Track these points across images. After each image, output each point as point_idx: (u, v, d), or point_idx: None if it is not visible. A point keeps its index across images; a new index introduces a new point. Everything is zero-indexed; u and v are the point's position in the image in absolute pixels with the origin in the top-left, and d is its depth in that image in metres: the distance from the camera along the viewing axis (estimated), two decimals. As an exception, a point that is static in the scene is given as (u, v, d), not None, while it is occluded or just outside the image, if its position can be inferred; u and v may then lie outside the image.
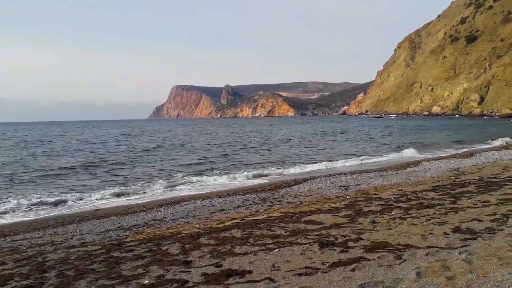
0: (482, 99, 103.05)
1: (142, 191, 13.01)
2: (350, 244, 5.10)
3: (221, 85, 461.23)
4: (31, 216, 10.09)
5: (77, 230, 8.05)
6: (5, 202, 11.46)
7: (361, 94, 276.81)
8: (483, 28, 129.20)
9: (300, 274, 4.14)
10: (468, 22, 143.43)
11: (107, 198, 12.07)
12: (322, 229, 6.05)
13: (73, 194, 12.50)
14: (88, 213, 10.09)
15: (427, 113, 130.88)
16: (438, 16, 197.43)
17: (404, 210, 7.01)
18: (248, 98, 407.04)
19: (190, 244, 5.77)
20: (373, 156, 21.76)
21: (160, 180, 14.85)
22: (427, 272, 3.77)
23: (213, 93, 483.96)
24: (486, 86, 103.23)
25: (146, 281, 4.29)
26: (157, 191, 13.18)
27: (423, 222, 6.01)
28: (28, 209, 10.81)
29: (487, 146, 24.51)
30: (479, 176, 11.05)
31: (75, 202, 11.54)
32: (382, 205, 7.76)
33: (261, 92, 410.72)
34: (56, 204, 11.25)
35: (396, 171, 14.60)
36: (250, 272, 4.33)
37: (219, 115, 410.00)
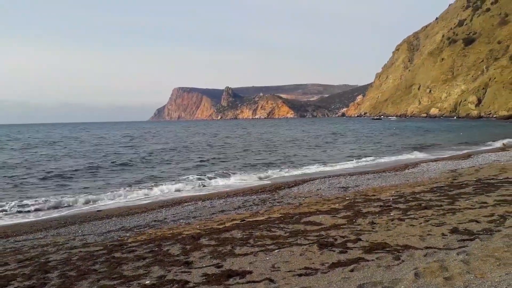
0: (479, 101, 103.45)
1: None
2: (349, 245, 5.12)
3: (222, 87, 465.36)
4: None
5: (79, 231, 8.08)
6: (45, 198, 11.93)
7: (360, 96, 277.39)
8: (480, 31, 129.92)
9: (300, 275, 4.16)
10: (466, 24, 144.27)
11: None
12: (322, 230, 6.08)
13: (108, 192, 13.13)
14: (90, 214, 10.12)
15: (425, 115, 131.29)
16: (436, 18, 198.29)
17: (402, 211, 7.04)
18: (248, 100, 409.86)
19: (191, 245, 5.80)
20: (384, 156, 22.10)
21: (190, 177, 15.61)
22: (425, 273, 3.78)
23: (213, 95, 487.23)
24: (483, 88, 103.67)
25: (147, 282, 4.31)
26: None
27: (421, 223, 6.04)
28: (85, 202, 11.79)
29: (489, 148, 24.67)
30: (476, 177, 11.09)
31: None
32: (380, 206, 7.79)
33: (261, 94, 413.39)
34: (112, 198, 12.41)
35: (395, 172, 14.67)
36: (250, 272, 4.35)
37: (219, 117, 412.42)
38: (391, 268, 4.12)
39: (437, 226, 5.78)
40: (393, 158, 21.41)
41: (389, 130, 56.05)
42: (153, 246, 5.93)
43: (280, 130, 69.78)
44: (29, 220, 9.90)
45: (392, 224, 6.16)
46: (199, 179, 15.43)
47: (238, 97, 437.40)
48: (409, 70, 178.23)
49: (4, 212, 10.55)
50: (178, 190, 13.60)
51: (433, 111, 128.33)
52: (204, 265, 4.74)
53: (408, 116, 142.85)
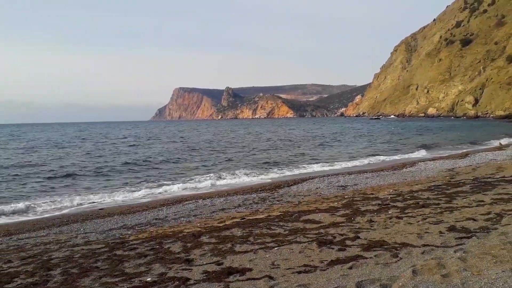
0: (476, 101, 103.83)
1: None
2: (348, 242, 5.15)
3: (222, 87, 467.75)
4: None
5: (81, 229, 8.12)
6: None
7: (359, 96, 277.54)
8: (477, 32, 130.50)
9: (299, 272, 4.18)
10: (463, 25, 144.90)
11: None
12: (321, 228, 6.12)
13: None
14: (92, 212, 10.16)
15: (423, 114, 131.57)
16: (434, 20, 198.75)
17: (400, 210, 7.09)
18: (248, 100, 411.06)
19: (191, 242, 5.83)
20: (396, 155, 22.40)
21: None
22: (423, 270, 3.79)
23: (214, 95, 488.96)
24: (480, 88, 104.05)
25: (148, 279, 4.34)
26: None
27: (419, 221, 6.08)
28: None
29: (489, 147, 24.84)
30: (473, 176, 11.17)
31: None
32: (379, 204, 7.84)
33: (261, 94, 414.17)
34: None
35: (393, 171, 14.76)
36: (250, 270, 4.37)
37: (220, 117, 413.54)
38: (389, 265, 4.13)
39: (434, 224, 5.82)
40: (406, 156, 21.77)
41: (393, 129, 56.14)
42: (154, 244, 5.95)
43: (293, 129, 69.51)
44: (31, 218, 9.93)
45: (390, 222, 6.20)
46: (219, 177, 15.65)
47: (238, 97, 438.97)
48: (407, 71, 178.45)
49: (12, 210, 10.63)
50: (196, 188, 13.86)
51: (431, 111, 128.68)
52: (204, 263, 4.76)
53: (406, 116, 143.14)
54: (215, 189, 13.35)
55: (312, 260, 4.55)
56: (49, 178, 16.67)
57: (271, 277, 4.09)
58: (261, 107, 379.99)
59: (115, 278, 4.46)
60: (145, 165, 21.07)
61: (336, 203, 8.56)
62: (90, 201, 11.82)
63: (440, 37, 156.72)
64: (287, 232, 6.07)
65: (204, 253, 5.18)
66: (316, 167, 18.12)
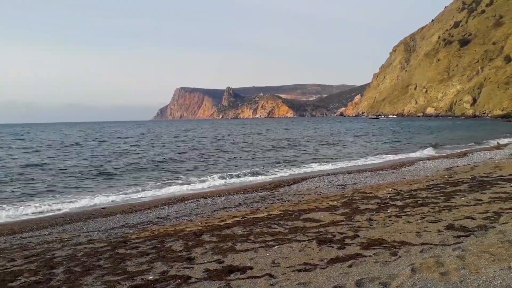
0: (474, 100, 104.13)
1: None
2: (347, 241, 5.17)
3: (223, 87, 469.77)
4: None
5: (84, 228, 8.17)
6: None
7: (358, 96, 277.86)
8: (475, 32, 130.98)
9: (299, 270, 4.20)
10: (461, 26, 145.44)
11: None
12: (320, 227, 6.15)
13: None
14: (94, 211, 10.21)
15: (421, 114, 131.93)
16: (432, 20, 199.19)
17: (399, 208, 7.12)
18: (248, 100, 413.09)
19: (193, 241, 5.87)
20: (403, 153, 22.72)
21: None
22: (422, 268, 3.80)
23: (215, 95, 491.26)
24: (478, 88, 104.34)
25: (150, 277, 4.37)
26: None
27: (417, 220, 6.11)
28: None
29: (487, 146, 24.99)
30: (471, 175, 11.21)
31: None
32: (378, 203, 7.88)
33: (261, 94, 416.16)
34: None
35: (392, 170, 14.82)
36: (250, 268, 4.40)
37: (220, 116, 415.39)
38: (388, 263, 4.15)
39: (433, 222, 5.84)
40: (418, 155, 22.02)
41: (397, 129, 56.18)
42: (156, 243, 5.99)
43: (296, 129, 69.30)
44: (35, 217, 9.98)
45: (389, 220, 6.23)
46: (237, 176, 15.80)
47: (238, 97, 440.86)
48: (405, 71, 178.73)
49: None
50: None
51: (429, 110, 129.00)
52: (205, 261, 4.79)
53: (405, 115, 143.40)
54: (215, 188, 13.42)
55: (312, 259, 4.57)
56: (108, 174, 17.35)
57: (271, 275, 4.11)
58: (261, 107, 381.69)
59: (117, 277, 4.49)
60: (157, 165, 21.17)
61: (335, 202, 8.60)
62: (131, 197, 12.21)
63: (439, 37, 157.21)
64: (287, 230, 6.11)
65: (205, 252, 5.21)
66: (328, 167, 18.50)
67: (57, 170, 19.06)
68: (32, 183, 15.24)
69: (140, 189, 13.55)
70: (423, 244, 4.80)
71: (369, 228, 5.87)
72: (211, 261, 4.77)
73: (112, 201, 11.71)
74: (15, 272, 4.99)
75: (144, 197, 12.33)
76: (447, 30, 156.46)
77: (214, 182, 14.66)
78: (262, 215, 7.77)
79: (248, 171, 16.82)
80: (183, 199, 11.14)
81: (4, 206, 11.01)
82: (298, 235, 5.72)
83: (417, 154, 22.56)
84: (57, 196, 12.57)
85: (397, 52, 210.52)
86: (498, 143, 25.56)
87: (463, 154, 19.06)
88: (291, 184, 12.69)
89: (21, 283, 4.58)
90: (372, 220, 6.38)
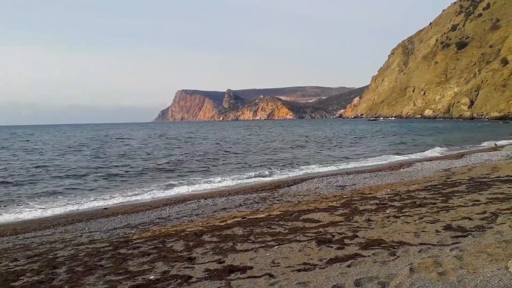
0: (472, 102, 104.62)
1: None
2: (346, 241, 5.21)
3: (223, 89, 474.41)
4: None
5: (86, 228, 8.20)
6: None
7: (357, 98, 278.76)
8: (473, 35, 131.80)
9: (299, 270, 4.23)
10: (459, 29, 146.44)
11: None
12: (320, 227, 6.19)
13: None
14: (96, 212, 10.24)
15: (419, 116, 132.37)
16: (430, 23, 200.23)
17: (397, 209, 7.17)
18: (249, 102, 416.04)
19: (193, 241, 5.90)
20: (412, 154, 23.01)
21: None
22: (420, 268, 3.84)
23: (215, 97, 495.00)
24: (475, 90, 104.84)
25: (151, 277, 4.40)
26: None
27: (416, 220, 6.15)
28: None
29: (484, 147, 25.16)
30: (469, 176, 11.28)
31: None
32: (377, 204, 7.93)
33: (261, 96, 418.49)
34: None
35: (390, 171, 14.89)
36: (251, 268, 4.43)
37: (221, 118, 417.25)
38: (386, 263, 4.19)
39: (431, 223, 5.88)
40: (428, 154, 22.37)
41: (401, 130, 56.20)
42: (157, 243, 6.03)
43: (316, 132, 69.07)
44: (37, 217, 10.00)
45: (388, 221, 6.27)
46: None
47: (239, 99, 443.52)
48: (404, 73, 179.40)
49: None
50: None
51: (427, 112, 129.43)
52: (206, 261, 4.82)
53: (403, 117, 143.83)
54: (216, 189, 13.45)
55: (312, 259, 4.61)
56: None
57: (271, 275, 4.15)
58: (261, 109, 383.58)
59: (119, 276, 4.52)
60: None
61: (335, 202, 8.64)
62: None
63: (436, 40, 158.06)
64: (287, 231, 6.14)
65: (206, 252, 5.25)
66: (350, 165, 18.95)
67: (60, 171, 19.04)
68: (35, 184, 15.26)
69: (143, 190, 13.53)
70: (421, 244, 4.84)
71: (367, 228, 5.91)
72: (212, 261, 4.80)
73: (120, 202, 11.72)
74: (18, 272, 5.02)
75: (148, 198, 12.35)
76: (444, 33, 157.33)
77: (218, 184, 14.62)
78: (262, 215, 7.80)
79: (250, 173, 16.85)
80: (184, 200, 11.18)
81: (7, 206, 11.06)
82: (297, 236, 5.75)
83: (427, 153, 22.88)
84: (60, 197, 12.60)
85: (396, 54, 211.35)
86: (495, 144, 25.71)
87: (461, 156, 19.16)
88: (291, 185, 12.74)
89: (23, 282, 4.61)
90: (371, 220, 6.42)
